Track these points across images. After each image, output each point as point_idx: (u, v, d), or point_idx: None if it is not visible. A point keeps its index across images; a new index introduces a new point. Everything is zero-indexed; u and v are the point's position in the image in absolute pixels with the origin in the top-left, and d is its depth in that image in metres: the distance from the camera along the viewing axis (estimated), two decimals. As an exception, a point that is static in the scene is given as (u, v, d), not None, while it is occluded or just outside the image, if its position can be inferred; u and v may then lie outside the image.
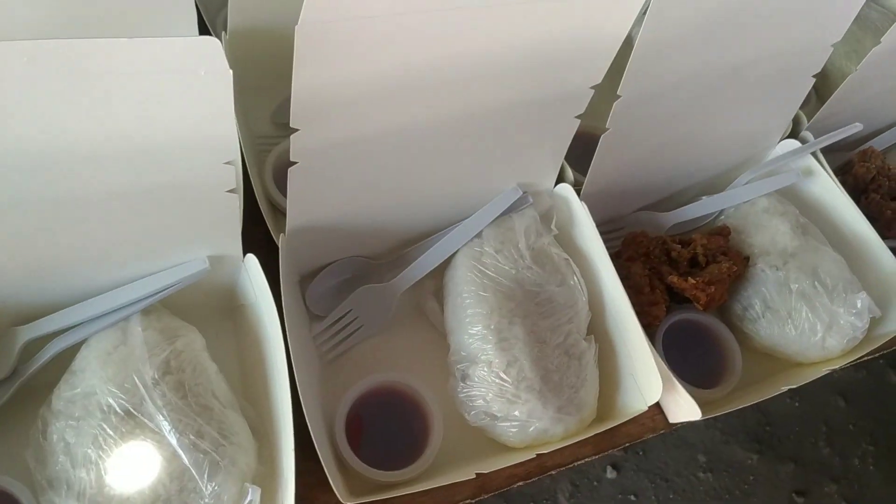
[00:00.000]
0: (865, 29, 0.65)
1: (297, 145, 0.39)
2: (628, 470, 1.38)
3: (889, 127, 0.63)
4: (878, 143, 0.62)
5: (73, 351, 0.42)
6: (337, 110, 0.39)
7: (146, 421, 0.39)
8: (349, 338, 0.48)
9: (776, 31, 0.49)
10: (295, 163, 0.41)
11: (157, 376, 0.40)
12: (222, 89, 0.34)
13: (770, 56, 0.50)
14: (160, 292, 0.43)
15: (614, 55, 0.44)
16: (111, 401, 0.39)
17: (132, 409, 0.39)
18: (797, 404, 1.62)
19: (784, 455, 1.55)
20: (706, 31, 0.45)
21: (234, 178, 0.39)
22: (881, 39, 0.52)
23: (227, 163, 0.37)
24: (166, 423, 0.38)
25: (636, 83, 0.45)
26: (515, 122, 0.46)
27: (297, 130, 0.38)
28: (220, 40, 0.50)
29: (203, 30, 0.56)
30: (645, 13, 0.41)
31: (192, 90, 0.34)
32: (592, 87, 0.45)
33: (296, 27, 0.33)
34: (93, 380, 0.40)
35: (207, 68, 0.33)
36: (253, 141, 0.55)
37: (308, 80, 0.36)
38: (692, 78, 0.48)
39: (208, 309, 0.47)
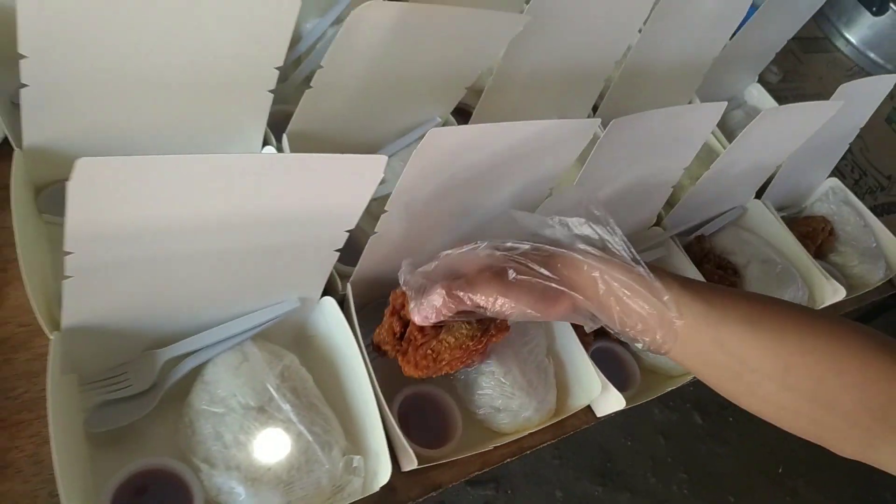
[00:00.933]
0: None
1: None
2: (499, 508, 1.60)
3: (712, 219, 0.94)
4: (706, 230, 0.93)
5: (195, 369, 0.56)
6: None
7: (275, 413, 0.54)
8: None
9: (647, 163, 0.76)
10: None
11: (278, 383, 0.55)
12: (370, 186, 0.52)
13: (643, 177, 0.77)
14: (264, 324, 0.59)
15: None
16: (248, 400, 0.54)
17: (264, 406, 0.54)
18: (629, 443, 1.95)
19: (622, 486, 1.85)
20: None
21: (343, 240, 0.56)
22: (703, 173, 0.82)
23: (347, 230, 0.55)
24: (293, 414, 0.54)
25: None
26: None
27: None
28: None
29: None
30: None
31: (346, 191, 0.52)
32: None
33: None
34: (228, 387, 0.54)
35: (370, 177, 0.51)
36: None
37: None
38: (622, 185, 0.74)
39: (283, 338, 0.62)
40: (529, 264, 0.48)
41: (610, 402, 0.69)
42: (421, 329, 0.55)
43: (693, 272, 0.83)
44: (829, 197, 1.08)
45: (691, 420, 2.07)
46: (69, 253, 0.44)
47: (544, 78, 0.83)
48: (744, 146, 0.82)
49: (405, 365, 0.56)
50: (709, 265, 0.87)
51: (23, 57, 0.51)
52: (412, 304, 0.52)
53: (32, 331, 0.55)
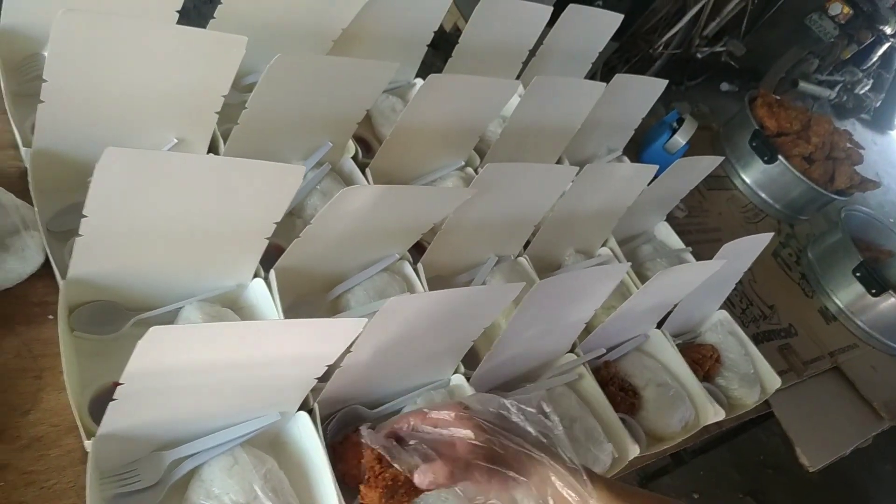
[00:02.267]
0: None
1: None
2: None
3: (619, 345, 1.13)
4: (613, 355, 1.11)
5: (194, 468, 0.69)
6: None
7: (257, 510, 0.67)
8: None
9: (565, 311, 0.94)
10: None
11: (262, 484, 0.69)
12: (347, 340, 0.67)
13: (561, 318, 0.95)
14: (251, 433, 0.72)
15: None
16: (238, 498, 0.67)
17: (250, 502, 0.67)
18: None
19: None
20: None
21: (323, 371, 0.71)
22: (614, 304, 1.01)
23: (327, 365, 0.70)
24: (272, 512, 0.67)
25: (514, 329, 0.86)
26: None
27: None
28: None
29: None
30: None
31: (327, 342, 0.67)
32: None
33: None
34: (222, 485, 0.67)
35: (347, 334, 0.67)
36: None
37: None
38: (543, 327, 0.91)
39: (263, 442, 0.76)
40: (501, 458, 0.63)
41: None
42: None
43: (599, 394, 1.00)
44: (718, 328, 1.28)
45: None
46: (121, 384, 0.57)
47: (485, 225, 1.02)
48: (645, 294, 1.01)
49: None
50: (613, 387, 1.05)
51: (84, 217, 0.65)
52: (419, 476, 0.63)
53: (61, 431, 0.68)
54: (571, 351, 1.05)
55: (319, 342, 0.65)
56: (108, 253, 0.71)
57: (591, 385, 1.02)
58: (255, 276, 0.84)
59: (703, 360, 1.20)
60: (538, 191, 1.03)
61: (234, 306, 0.84)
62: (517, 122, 1.16)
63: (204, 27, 0.87)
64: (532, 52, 1.37)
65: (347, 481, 0.76)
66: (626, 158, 1.50)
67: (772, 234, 1.23)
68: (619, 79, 1.30)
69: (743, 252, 1.20)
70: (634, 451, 0.95)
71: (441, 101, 1.03)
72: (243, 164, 0.70)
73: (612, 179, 1.13)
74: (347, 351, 0.71)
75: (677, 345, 1.19)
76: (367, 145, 1.19)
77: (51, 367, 0.70)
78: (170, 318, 0.78)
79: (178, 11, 0.91)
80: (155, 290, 0.77)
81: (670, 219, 1.47)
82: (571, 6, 1.34)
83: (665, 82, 1.43)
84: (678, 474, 2.32)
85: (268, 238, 0.79)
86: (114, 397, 0.58)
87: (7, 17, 0.84)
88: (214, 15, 0.95)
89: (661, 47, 3.43)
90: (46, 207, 0.79)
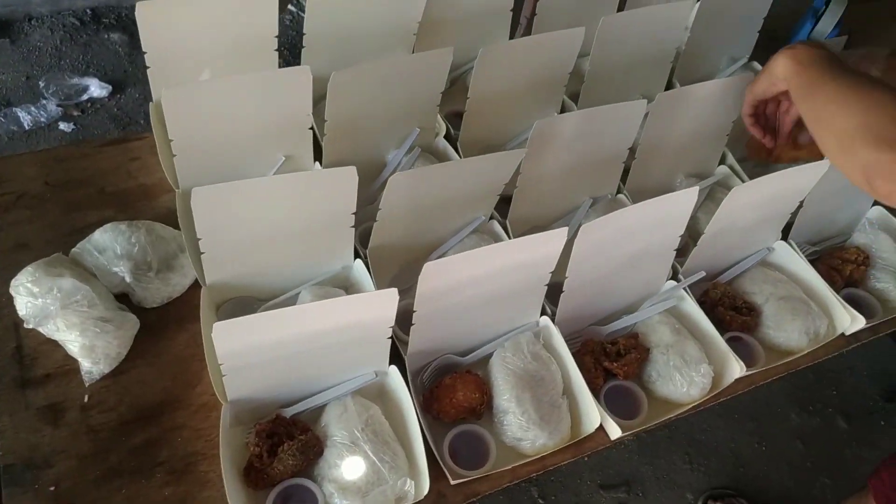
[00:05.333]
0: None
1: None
2: (638, 506, 1.79)
3: (726, 269, 1.11)
4: (732, 273, 1.10)
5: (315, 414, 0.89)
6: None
7: (359, 447, 0.84)
8: (441, 405, 0.94)
9: (656, 236, 0.96)
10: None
11: (363, 428, 0.86)
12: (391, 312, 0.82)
13: (640, 252, 0.98)
14: (356, 388, 0.90)
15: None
16: (343, 440, 0.85)
17: (352, 443, 0.85)
18: (764, 448, 2.01)
19: (757, 491, 1.92)
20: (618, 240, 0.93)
21: (388, 333, 0.86)
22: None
23: (388, 338, 0.85)
24: (370, 449, 0.84)
25: (576, 273, 0.93)
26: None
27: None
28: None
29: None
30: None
31: (376, 311, 0.82)
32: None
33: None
34: (332, 429, 0.86)
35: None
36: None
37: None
38: (616, 264, 0.96)
39: (371, 392, 0.93)
40: None
41: (613, 429, 0.91)
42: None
43: (699, 315, 1.02)
44: (866, 227, 1.18)
45: (834, 425, 2.07)
46: (222, 364, 0.78)
47: (568, 171, 1.07)
48: (731, 214, 0.99)
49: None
50: (721, 307, 1.05)
51: (199, 239, 0.87)
52: None
53: (218, 399, 0.91)
54: (674, 277, 1.07)
55: (369, 311, 0.80)
56: (229, 260, 0.92)
57: (691, 308, 1.03)
58: (358, 257, 1.01)
59: (841, 264, 1.12)
60: (611, 130, 1.06)
61: (345, 284, 1.01)
62: (600, 59, 1.18)
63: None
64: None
65: (442, 417, 0.91)
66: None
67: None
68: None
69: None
70: (736, 370, 0.96)
71: (508, 65, 1.10)
72: (303, 177, 0.87)
73: (697, 101, 1.10)
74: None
75: (819, 252, 1.13)
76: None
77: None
78: (292, 301, 0.98)
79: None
80: (276, 282, 0.98)
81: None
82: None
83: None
84: None
85: (352, 227, 0.95)
86: (223, 373, 0.79)
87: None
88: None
89: None
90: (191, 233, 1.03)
